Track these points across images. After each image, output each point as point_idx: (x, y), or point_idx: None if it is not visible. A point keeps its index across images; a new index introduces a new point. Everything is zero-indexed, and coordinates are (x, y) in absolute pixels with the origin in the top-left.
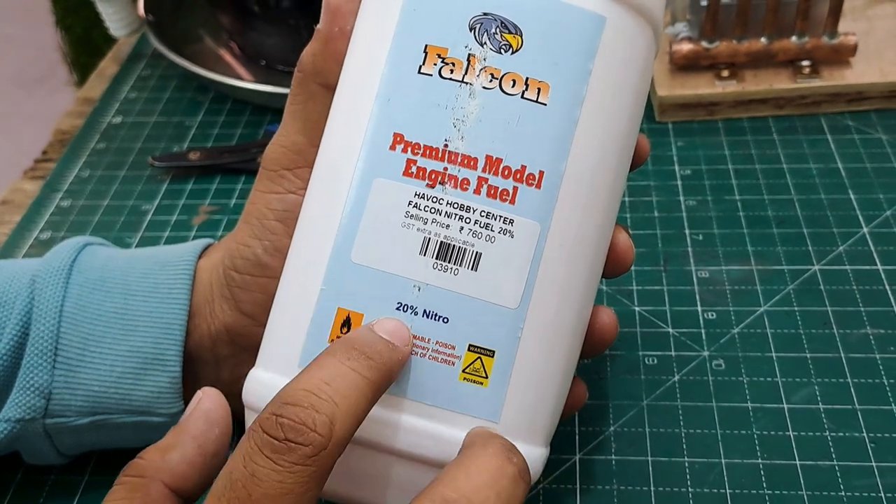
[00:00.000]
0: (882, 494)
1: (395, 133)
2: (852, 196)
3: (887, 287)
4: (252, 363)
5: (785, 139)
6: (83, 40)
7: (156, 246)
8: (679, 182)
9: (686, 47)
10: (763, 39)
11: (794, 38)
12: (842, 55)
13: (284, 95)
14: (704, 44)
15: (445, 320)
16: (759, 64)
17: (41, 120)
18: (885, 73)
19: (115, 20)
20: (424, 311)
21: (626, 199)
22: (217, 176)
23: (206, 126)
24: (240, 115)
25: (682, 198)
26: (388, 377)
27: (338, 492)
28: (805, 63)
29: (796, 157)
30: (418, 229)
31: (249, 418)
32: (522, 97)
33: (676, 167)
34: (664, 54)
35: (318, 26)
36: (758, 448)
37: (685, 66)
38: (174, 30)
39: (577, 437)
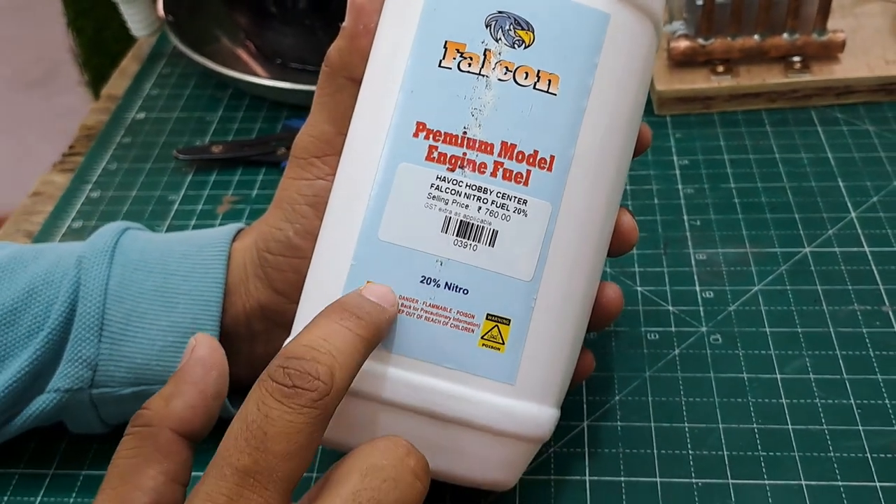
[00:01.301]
0: (868, 455)
1: (417, 122)
2: (841, 183)
3: (873, 267)
4: (284, 338)
5: (777, 131)
6: (94, 42)
7: (191, 231)
8: (677, 171)
9: (683, 44)
10: (756, 36)
11: (785, 35)
12: (831, 51)
13: (300, 91)
14: (700, 41)
15: (465, 292)
16: (752, 60)
17: (44, 120)
18: (872, 67)
19: (136, 21)
20: (446, 284)
21: (628, 187)
22: (239, 168)
23: (226, 121)
24: (257, 111)
25: (680, 186)
26: (378, 334)
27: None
28: (796, 59)
29: (788, 148)
30: (440, 209)
31: None
32: (534, 88)
33: (675, 158)
34: (662, 51)
35: (344, 24)
36: (752, 414)
37: (682, 62)
38: (192, 29)
39: (584, 406)
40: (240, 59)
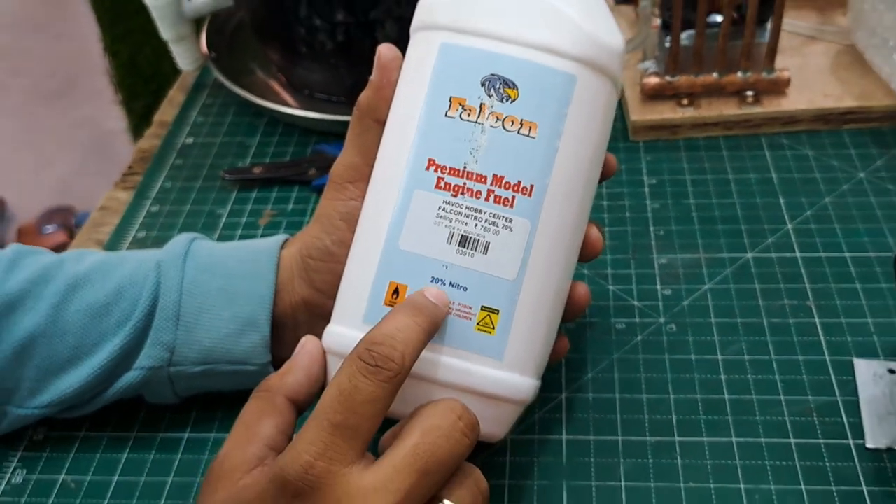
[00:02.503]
0: (786, 418)
1: (429, 158)
2: (781, 200)
3: (802, 270)
4: (321, 327)
5: (732, 154)
6: (128, 65)
7: (246, 240)
8: (646, 189)
9: (653, 80)
10: (715, 74)
11: (739, 74)
12: (778, 87)
13: (327, 121)
14: (668, 77)
15: (465, 289)
16: (712, 94)
17: (63, 131)
18: (813, 101)
19: (183, 57)
20: (450, 283)
21: (604, 202)
22: (276, 186)
23: (264, 145)
24: (290, 136)
25: (648, 202)
26: (436, 326)
27: (394, 412)
28: (749, 93)
29: (740, 169)
30: (446, 226)
31: (330, 360)
32: (518, 133)
33: (645, 177)
34: (636, 86)
35: (372, 78)
36: (697, 387)
37: (653, 95)
38: (231, 64)
39: (563, 381)
40: (272, 89)
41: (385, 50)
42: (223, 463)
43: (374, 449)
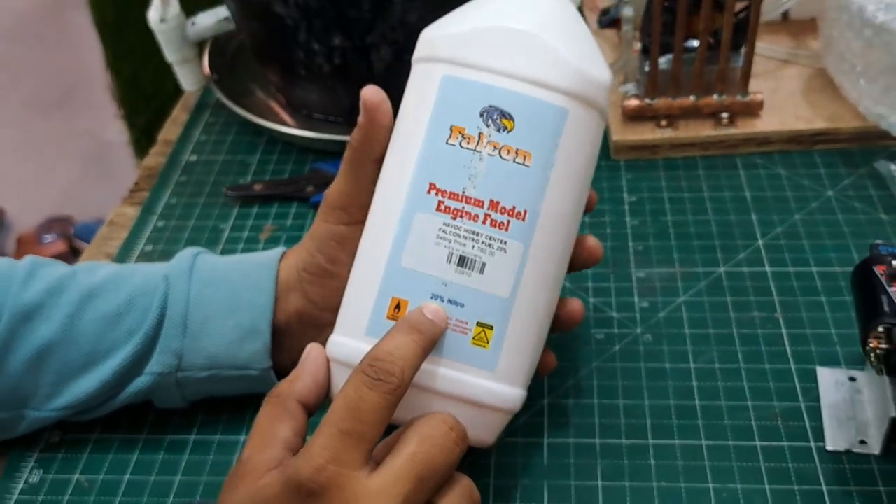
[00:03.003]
0: (752, 423)
1: (430, 183)
2: (754, 217)
3: (771, 283)
4: (313, 336)
5: (708, 173)
6: (130, 81)
7: (247, 253)
8: (626, 206)
9: (634, 102)
10: (692, 97)
11: (715, 96)
12: (752, 109)
13: (324, 140)
14: (648, 100)
15: (462, 305)
16: (689, 116)
17: (62, 141)
18: (786, 123)
19: (187, 78)
20: (449, 300)
21: (586, 218)
22: (275, 203)
23: (263, 163)
24: (289, 154)
25: (628, 218)
26: (432, 343)
27: (396, 418)
28: (724, 115)
29: (715, 188)
30: (445, 246)
31: (333, 367)
32: (514, 161)
33: (625, 195)
34: (618, 107)
35: (360, 120)
36: (670, 393)
37: (633, 116)
38: (232, 85)
39: (545, 387)
40: (272, 110)
41: (369, 94)
42: (245, 464)
43: None
